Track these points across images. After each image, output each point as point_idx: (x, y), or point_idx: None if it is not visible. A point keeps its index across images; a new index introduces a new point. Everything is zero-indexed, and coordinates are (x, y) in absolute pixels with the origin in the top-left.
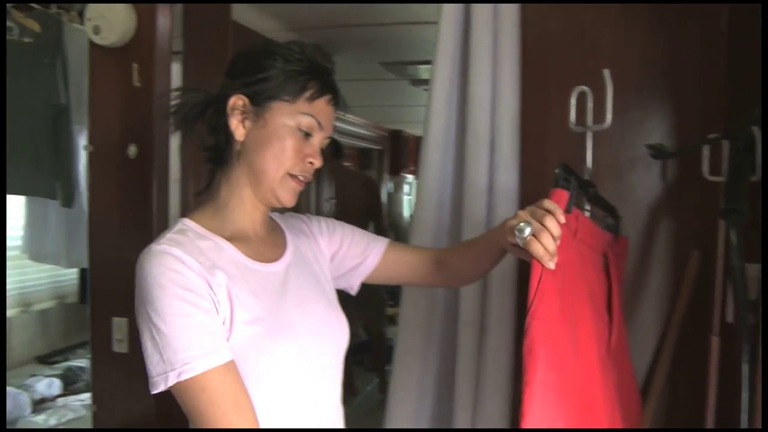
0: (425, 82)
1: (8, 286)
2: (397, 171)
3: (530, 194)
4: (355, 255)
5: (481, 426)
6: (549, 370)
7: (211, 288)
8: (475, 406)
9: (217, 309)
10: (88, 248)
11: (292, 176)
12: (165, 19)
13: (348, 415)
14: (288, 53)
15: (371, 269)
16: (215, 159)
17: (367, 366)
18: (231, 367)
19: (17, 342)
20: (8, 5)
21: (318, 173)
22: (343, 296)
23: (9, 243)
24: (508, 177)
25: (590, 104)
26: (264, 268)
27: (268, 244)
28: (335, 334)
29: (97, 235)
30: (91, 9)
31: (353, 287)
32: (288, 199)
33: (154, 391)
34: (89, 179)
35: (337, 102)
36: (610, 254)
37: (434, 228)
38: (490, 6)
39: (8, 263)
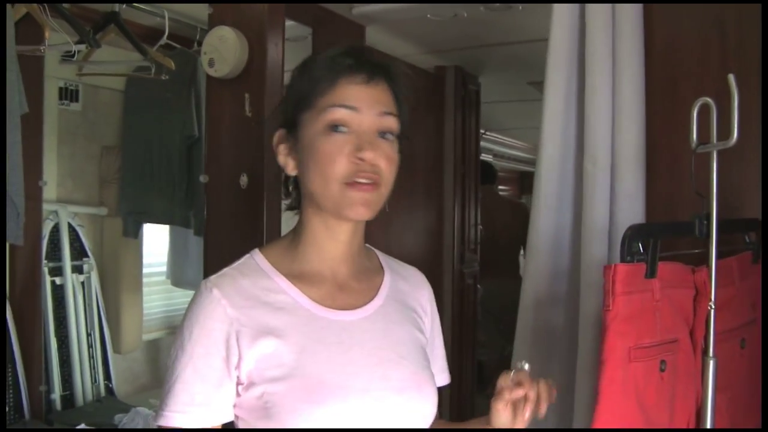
0: None
1: (155, 310)
2: None
3: None
4: None
5: None
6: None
7: (237, 339)
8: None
9: (231, 365)
10: (204, 276)
11: (350, 184)
12: (276, 48)
13: None
14: (311, 59)
15: None
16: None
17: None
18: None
19: (163, 363)
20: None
21: (462, 197)
22: None
23: (156, 269)
24: (632, 208)
25: (714, 118)
26: (333, 315)
27: (351, 288)
28: (413, 403)
29: (213, 264)
30: (207, 43)
31: None
32: (356, 213)
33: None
34: (206, 209)
35: (372, 77)
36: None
37: (550, 271)
38: (608, 6)
39: (155, 288)
